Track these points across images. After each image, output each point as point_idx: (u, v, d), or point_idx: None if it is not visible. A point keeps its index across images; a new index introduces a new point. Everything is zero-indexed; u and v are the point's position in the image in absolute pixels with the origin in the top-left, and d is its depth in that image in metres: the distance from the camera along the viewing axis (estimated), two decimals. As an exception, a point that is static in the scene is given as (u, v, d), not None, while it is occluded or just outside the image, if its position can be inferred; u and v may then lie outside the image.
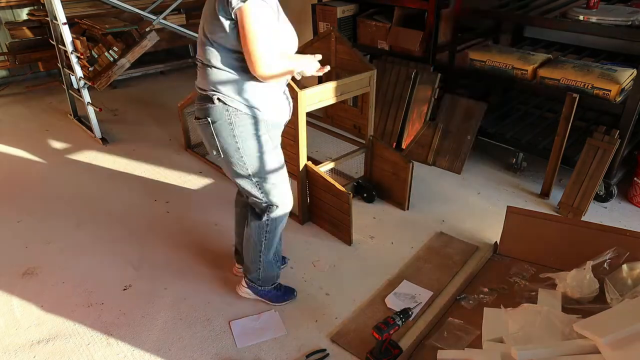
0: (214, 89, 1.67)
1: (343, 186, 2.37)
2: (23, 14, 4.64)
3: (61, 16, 3.26)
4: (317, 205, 2.57)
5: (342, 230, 2.48)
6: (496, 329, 1.84)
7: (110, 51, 3.51)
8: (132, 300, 2.15)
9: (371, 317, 2.03)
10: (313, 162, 2.51)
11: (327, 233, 2.58)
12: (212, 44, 1.62)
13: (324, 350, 1.89)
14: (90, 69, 3.55)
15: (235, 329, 1.99)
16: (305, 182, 2.53)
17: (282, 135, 2.49)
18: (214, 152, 1.78)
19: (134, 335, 1.97)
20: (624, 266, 1.98)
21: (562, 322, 1.76)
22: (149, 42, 3.58)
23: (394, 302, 2.08)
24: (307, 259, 2.39)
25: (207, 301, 2.14)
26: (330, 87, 2.42)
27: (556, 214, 2.61)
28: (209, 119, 1.70)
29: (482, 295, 2.09)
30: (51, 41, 3.68)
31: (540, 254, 2.26)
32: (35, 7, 4.43)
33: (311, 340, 1.94)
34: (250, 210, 1.94)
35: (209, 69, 1.66)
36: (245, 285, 2.10)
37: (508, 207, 2.34)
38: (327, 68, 1.82)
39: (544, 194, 2.88)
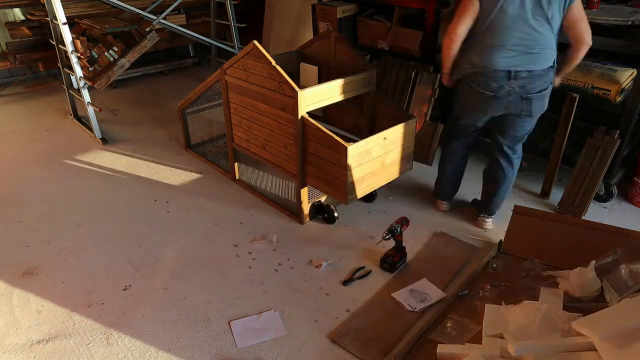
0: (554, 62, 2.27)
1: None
2: (17, 12, 4.63)
3: (61, 16, 3.27)
4: (312, 163, 2.46)
5: (337, 188, 2.38)
6: (496, 325, 1.85)
7: (110, 51, 3.51)
8: (132, 300, 2.15)
9: (371, 317, 2.03)
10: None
11: (327, 232, 2.58)
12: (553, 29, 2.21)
13: (364, 267, 2.31)
14: (90, 69, 3.55)
15: (235, 329, 1.99)
16: (301, 139, 2.43)
17: (283, 135, 2.51)
18: (533, 114, 2.29)
19: (133, 335, 1.97)
20: (624, 266, 1.98)
21: (561, 319, 1.76)
22: (149, 42, 3.58)
23: (403, 297, 2.12)
24: (307, 259, 2.39)
25: (207, 301, 2.14)
26: (330, 86, 2.42)
27: (564, 215, 2.62)
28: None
29: (484, 292, 2.10)
30: (51, 41, 3.68)
31: (544, 253, 2.26)
32: (35, 7, 4.42)
33: (311, 340, 1.94)
34: (507, 160, 2.47)
35: (550, 50, 2.25)
36: (491, 218, 2.61)
37: (515, 206, 2.36)
38: None
39: (544, 194, 2.88)
